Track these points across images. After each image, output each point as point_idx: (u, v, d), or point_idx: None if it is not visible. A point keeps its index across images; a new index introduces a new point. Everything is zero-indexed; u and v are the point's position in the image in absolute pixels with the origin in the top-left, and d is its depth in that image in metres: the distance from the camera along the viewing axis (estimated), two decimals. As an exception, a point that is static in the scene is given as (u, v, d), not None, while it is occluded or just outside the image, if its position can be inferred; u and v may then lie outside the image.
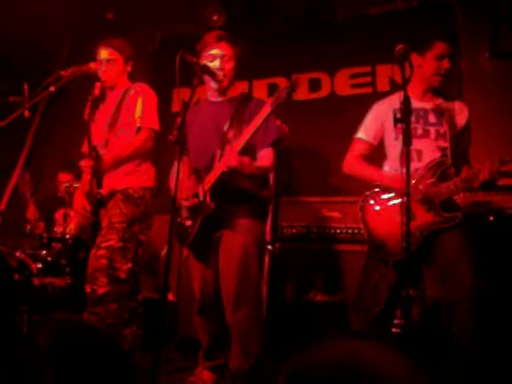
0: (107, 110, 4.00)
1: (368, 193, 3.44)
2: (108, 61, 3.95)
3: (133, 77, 4.12)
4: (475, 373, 3.01)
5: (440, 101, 3.40)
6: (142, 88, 3.95)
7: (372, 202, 3.39)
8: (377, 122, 3.49)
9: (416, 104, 3.32)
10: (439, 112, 3.35)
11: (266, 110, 2.93)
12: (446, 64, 3.29)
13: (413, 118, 3.28)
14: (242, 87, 4.27)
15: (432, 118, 3.35)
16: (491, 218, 3.92)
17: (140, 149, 3.82)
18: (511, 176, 3.74)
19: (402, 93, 3.41)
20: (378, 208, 3.35)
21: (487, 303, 3.27)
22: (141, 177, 3.84)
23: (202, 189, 3.27)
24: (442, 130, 3.31)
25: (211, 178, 3.20)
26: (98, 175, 3.79)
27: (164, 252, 4.69)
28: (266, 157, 3.32)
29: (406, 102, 2.65)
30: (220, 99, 3.55)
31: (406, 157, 2.59)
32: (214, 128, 3.44)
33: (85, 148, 4.01)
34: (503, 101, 4.61)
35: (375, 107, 3.53)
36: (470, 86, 4.85)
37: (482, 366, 3.06)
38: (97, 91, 3.76)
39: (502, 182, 3.83)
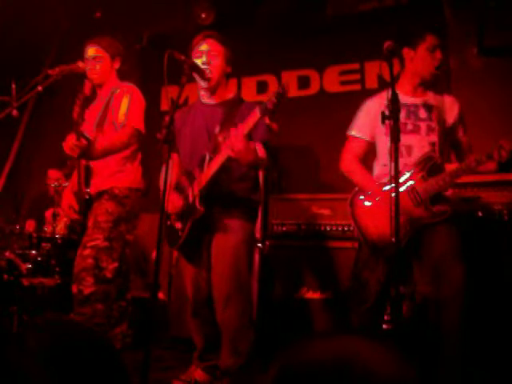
0: (96, 109, 3.99)
1: (357, 188, 3.45)
2: (94, 58, 3.94)
3: (123, 75, 4.10)
4: (464, 370, 3.03)
5: (430, 95, 3.41)
6: (128, 88, 3.93)
7: (361, 197, 3.40)
8: (369, 117, 3.49)
9: (407, 100, 3.36)
10: (429, 107, 3.36)
11: (255, 116, 2.92)
12: (438, 55, 3.30)
13: (403, 114, 3.30)
14: (233, 90, 4.26)
15: (423, 114, 3.36)
16: (480, 214, 3.94)
17: (124, 144, 3.79)
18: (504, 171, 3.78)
19: (389, 90, 3.45)
20: (367, 203, 3.36)
21: (477, 301, 3.29)
22: (127, 177, 3.83)
23: (191, 191, 3.27)
24: (432, 125, 3.31)
25: (202, 181, 3.20)
26: (85, 157, 3.77)
27: (154, 254, 4.71)
28: (259, 149, 3.32)
29: (393, 99, 2.65)
30: (211, 101, 3.54)
31: (394, 153, 2.59)
32: (205, 131, 3.44)
33: None
34: (491, 97, 4.64)
35: (366, 103, 3.53)
36: (458, 82, 4.86)
37: (471, 364, 3.09)
38: (86, 90, 3.74)
39: (489, 177, 3.87)
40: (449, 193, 3.31)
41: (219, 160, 3.13)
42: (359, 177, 3.47)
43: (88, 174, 3.93)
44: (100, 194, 3.78)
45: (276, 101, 2.80)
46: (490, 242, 3.79)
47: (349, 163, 3.55)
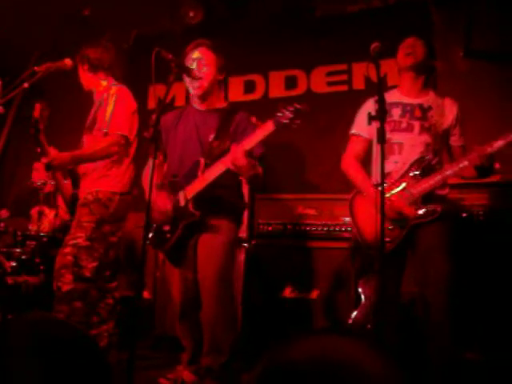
0: (90, 113, 4.02)
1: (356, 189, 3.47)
2: (78, 69, 4.05)
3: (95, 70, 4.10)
4: (450, 369, 3.05)
5: (431, 96, 3.43)
6: (116, 91, 3.91)
7: (359, 197, 3.42)
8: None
9: (404, 99, 3.43)
10: (426, 107, 3.39)
11: (269, 128, 2.94)
12: (416, 48, 3.37)
13: (398, 112, 3.39)
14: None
15: (418, 113, 3.38)
16: (464, 215, 3.98)
17: (102, 151, 3.77)
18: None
19: (393, 90, 3.49)
20: (363, 204, 3.37)
21: (463, 300, 3.33)
22: (111, 181, 3.82)
23: (183, 196, 3.27)
24: (426, 125, 3.34)
25: (197, 187, 3.21)
26: (53, 169, 3.81)
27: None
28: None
29: (380, 100, 2.67)
30: (204, 108, 3.55)
31: (380, 154, 2.62)
32: (197, 138, 3.44)
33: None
34: (476, 99, 4.67)
35: (366, 102, 3.55)
36: (445, 83, 4.89)
37: (457, 362, 3.12)
38: (36, 113, 3.72)
39: (471, 179, 3.92)
40: (444, 192, 3.33)
41: (217, 170, 3.14)
42: (356, 177, 3.50)
43: (75, 176, 3.95)
44: (86, 196, 3.78)
45: (293, 116, 2.83)
46: (470, 242, 3.84)
47: (347, 163, 3.58)
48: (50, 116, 3.79)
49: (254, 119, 3.73)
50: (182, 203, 3.26)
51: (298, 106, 2.86)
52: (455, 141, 3.41)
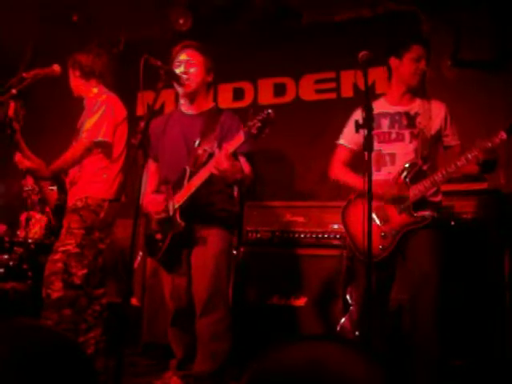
0: (79, 119, 4.00)
1: (352, 197, 3.47)
2: (69, 75, 4.00)
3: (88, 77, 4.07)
4: (437, 376, 3.06)
5: (417, 103, 3.43)
6: (106, 99, 3.87)
7: (352, 205, 3.42)
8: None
9: (390, 109, 3.44)
10: (414, 114, 3.39)
11: (239, 139, 2.93)
12: (422, 65, 3.35)
13: (387, 123, 3.40)
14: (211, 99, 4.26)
15: (406, 121, 3.39)
16: (452, 223, 4.00)
17: (76, 156, 3.77)
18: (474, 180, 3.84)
19: (380, 100, 3.49)
20: (355, 211, 3.36)
21: (451, 306, 3.34)
22: (101, 188, 3.80)
23: (171, 204, 3.27)
24: (415, 132, 3.35)
25: (183, 195, 3.21)
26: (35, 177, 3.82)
27: (138, 261, 4.70)
28: (243, 163, 3.33)
29: (367, 108, 2.67)
30: (190, 111, 3.55)
31: (367, 162, 2.62)
32: (184, 143, 3.45)
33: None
34: (464, 107, 4.70)
35: (355, 113, 3.54)
36: (433, 92, 4.92)
37: (444, 369, 3.12)
38: (10, 112, 3.69)
39: (459, 187, 3.94)
40: (437, 198, 3.34)
41: (202, 176, 3.14)
42: (347, 179, 3.52)
43: (60, 182, 3.93)
44: (75, 203, 3.76)
45: (261, 125, 2.80)
46: (460, 250, 3.86)
47: (337, 170, 3.60)
48: (25, 115, 3.73)
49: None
50: (171, 212, 3.27)
51: (265, 116, 2.80)
52: (449, 141, 3.41)
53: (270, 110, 2.81)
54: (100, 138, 3.73)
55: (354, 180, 3.45)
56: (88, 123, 3.76)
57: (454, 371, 3.55)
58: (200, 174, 3.16)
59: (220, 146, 3.27)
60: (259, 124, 2.80)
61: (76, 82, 4.02)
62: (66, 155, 3.77)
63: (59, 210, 3.89)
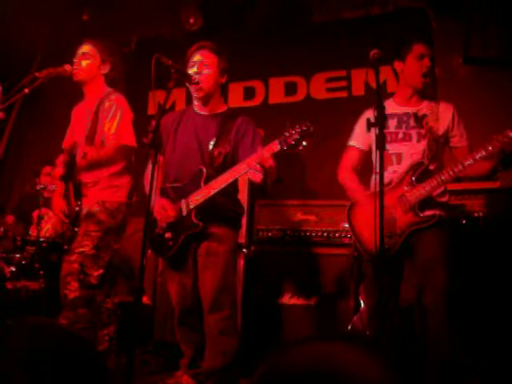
0: (84, 117, 3.94)
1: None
2: (83, 54, 3.88)
3: (114, 84, 4.03)
4: (449, 376, 3.04)
5: (425, 104, 3.42)
6: (118, 101, 3.84)
7: (357, 206, 3.41)
8: (365, 128, 3.50)
9: (398, 109, 3.43)
10: (421, 115, 3.38)
11: (273, 149, 2.90)
12: (426, 62, 3.33)
13: (394, 124, 3.38)
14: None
15: (414, 122, 3.38)
16: (463, 222, 3.98)
17: (109, 159, 3.76)
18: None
19: (389, 100, 3.47)
20: (362, 212, 3.35)
21: (461, 307, 3.32)
22: (118, 191, 3.80)
23: (185, 205, 3.27)
24: (423, 132, 3.33)
25: (203, 196, 3.19)
26: (70, 172, 3.79)
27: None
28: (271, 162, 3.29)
29: (379, 106, 2.67)
30: (204, 112, 3.54)
31: (379, 160, 2.61)
32: (198, 145, 3.43)
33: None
34: (475, 104, 4.68)
35: (364, 114, 3.53)
36: (444, 90, 4.90)
37: (456, 370, 3.11)
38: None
39: (470, 185, 3.92)
40: (444, 199, 3.32)
41: (228, 178, 3.12)
42: (349, 186, 3.52)
43: (78, 187, 3.92)
44: (93, 206, 3.76)
45: (299, 137, 2.77)
46: (472, 249, 3.84)
47: (344, 174, 3.59)
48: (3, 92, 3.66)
49: (262, 132, 3.71)
50: (185, 212, 3.27)
51: (304, 128, 2.77)
52: (456, 142, 3.39)
53: (311, 123, 2.77)
54: (126, 143, 3.74)
55: (353, 189, 3.48)
56: (111, 126, 3.74)
57: (468, 369, 3.53)
58: (225, 175, 3.13)
59: (235, 150, 3.28)
60: (297, 136, 2.77)
61: (93, 70, 3.92)
62: (100, 153, 3.77)
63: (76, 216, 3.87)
